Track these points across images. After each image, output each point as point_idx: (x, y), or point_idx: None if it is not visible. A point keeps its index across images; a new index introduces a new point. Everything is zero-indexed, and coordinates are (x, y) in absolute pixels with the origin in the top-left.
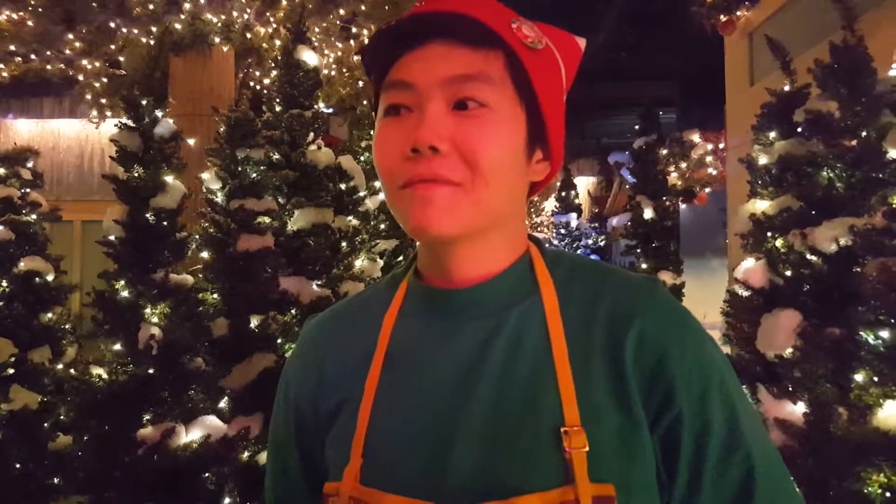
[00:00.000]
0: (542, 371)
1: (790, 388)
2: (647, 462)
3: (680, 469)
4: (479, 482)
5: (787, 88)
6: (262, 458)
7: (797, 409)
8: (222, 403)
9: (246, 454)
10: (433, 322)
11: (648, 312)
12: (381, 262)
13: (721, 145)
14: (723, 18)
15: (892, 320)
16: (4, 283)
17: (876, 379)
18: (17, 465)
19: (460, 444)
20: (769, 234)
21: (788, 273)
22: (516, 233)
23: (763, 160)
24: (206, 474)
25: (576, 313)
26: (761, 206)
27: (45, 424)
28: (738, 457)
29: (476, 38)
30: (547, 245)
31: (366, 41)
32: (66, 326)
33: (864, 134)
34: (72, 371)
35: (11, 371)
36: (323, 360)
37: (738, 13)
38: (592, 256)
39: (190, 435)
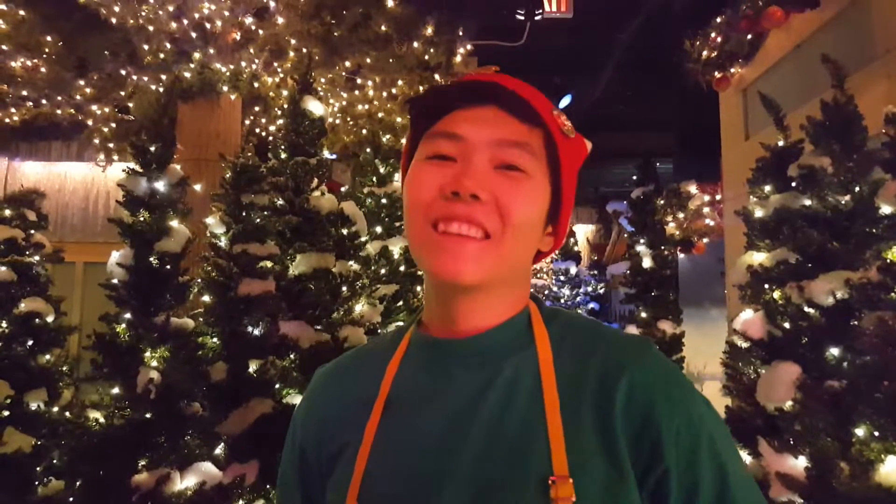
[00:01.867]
0: (533, 421)
1: (791, 442)
2: None
3: None
4: None
5: (780, 143)
6: None
7: (799, 464)
8: (218, 450)
9: (241, 502)
10: (432, 370)
11: (638, 367)
12: (381, 307)
13: (718, 197)
14: (717, 75)
15: (891, 374)
16: (4, 324)
17: (877, 433)
18: None
19: (449, 490)
20: (766, 285)
21: (787, 325)
22: (521, 290)
23: (759, 213)
24: None
25: (568, 366)
26: (758, 258)
27: (38, 468)
28: None
29: (525, 114)
30: (546, 291)
31: (370, 92)
32: (64, 368)
33: (857, 189)
34: (67, 414)
35: (6, 413)
36: (328, 407)
37: (733, 70)
38: (591, 304)
39: (185, 482)
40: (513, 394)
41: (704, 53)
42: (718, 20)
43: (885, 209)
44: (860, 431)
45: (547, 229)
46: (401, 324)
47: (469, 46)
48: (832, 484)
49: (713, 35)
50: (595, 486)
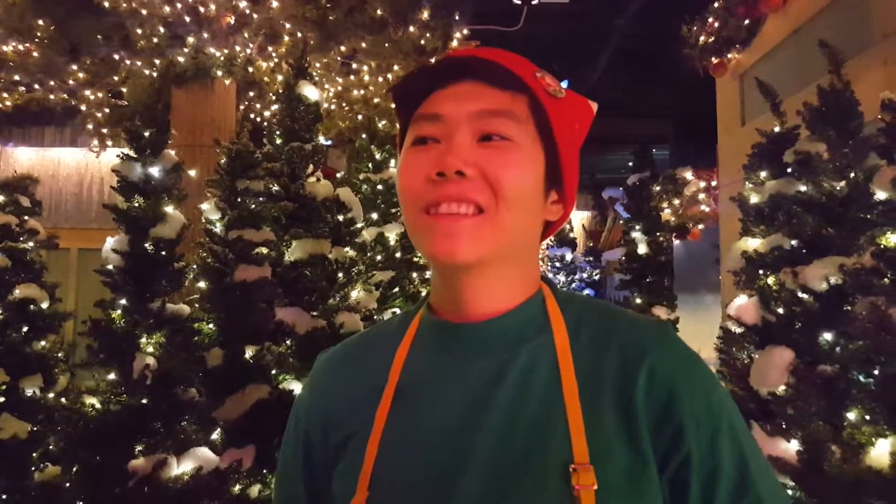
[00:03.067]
0: (552, 407)
1: (784, 426)
2: (655, 500)
3: None
4: None
5: (776, 130)
6: (254, 491)
7: (791, 447)
8: (215, 435)
9: (237, 487)
10: (445, 356)
11: (660, 351)
12: (377, 294)
13: (713, 183)
14: (714, 60)
15: (883, 359)
16: None
17: (868, 417)
18: (4, 496)
19: (467, 480)
20: (761, 271)
21: (780, 310)
22: (530, 269)
23: (754, 199)
24: None
25: (586, 351)
26: (753, 243)
27: (34, 454)
28: (749, 502)
29: (504, 81)
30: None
31: (365, 77)
32: (59, 355)
33: (852, 175)
34: (63, 400)
35: (2, 399)
36: (333, 394)
37: (729, 56)
38: (587, 290)
39: (182, 467)
40: (530, 380)
41: (702, 39)
42: (716, 5)
43: (880, 195)
44: (852, 415)
45: (551, 197)
46: (397, 311)
47: (465, 31)
48: (824, 467)
49: (710, 20)
50: (616, 473)
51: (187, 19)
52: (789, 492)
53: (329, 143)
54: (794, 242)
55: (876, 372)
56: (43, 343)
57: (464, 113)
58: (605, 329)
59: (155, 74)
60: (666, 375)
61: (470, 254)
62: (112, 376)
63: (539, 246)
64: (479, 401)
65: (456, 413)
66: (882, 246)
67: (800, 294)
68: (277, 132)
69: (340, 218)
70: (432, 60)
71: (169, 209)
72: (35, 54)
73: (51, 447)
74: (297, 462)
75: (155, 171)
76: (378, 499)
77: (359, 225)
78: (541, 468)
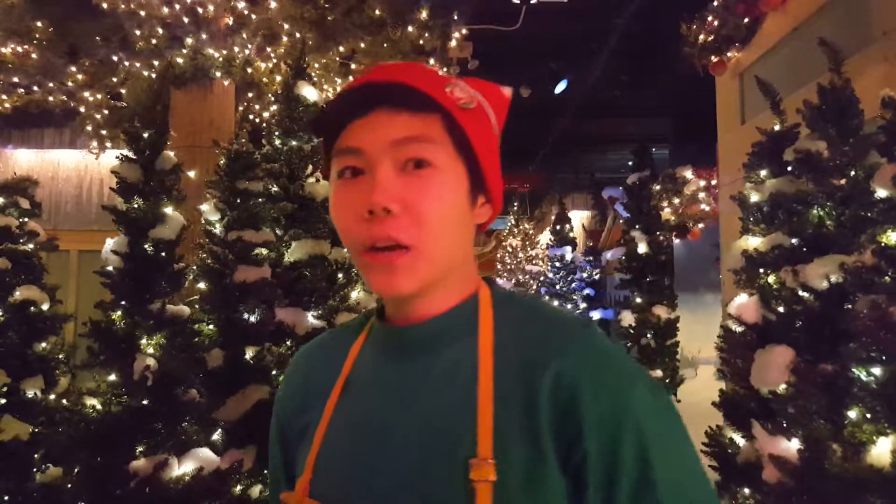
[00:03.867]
0: (466, 404)
1: (784, 425)
2: (553, 495)
3: None
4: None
5: (776, 128)
6: (255, 491)
7: (792, 446)
8: (215, 436)
9: (238, 487)
10: (385, 355)
11: (569, 354)
12: (376, 294)
13: (713, 182)
14: (714, 59)
15: (884, 357)
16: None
17: (869, 416)
18: (6, 497)
19: (383, 467)
20: (761, 270)
21: (781, 309)
22: (465, 274)
23: (754, 198)
24: None
25: (507, 352)
26: (753, 242)
27: (36, 456)
28: (647, 503)
29: (416, 104)
30: (542, 277)
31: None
32: (60, 356)
33: (852, 173)
34: (64, 402)
35: (3, 401)
36: (302, 385)
37: (729, 54)
38: (587, 290)
39: (182, 467)
40: (451, 378)
41: (701, 37)
42: (715, 3)
43: (881, 193)
44: (852, 414)
45: (479, 201)
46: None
47: (464, 31)
48: (824, 466)
49: (710, 18)
50: (515, 467)
51: (186, 20)
52: (790, 491)
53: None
54: (794, 241)
55: (877, 370)
56: (44, 345)
57: (382, 144)
58: (527, 329)
59: (154, 76)
60: (572, 376)
61: (408, 287)
62: (112, 378)
63: (473, 249)
64: (403, 396)
65: (383, 407)
66: (883, 244)
67: (800, 293)
68: (276, 133)
69: None
70: (432, 62)
71: (168, 210)
72: (34, 56)
73: (52, 449)
74: (277, 446)
75: (154, 172)
76: (318, 479)
77: None
78: (447, 460)
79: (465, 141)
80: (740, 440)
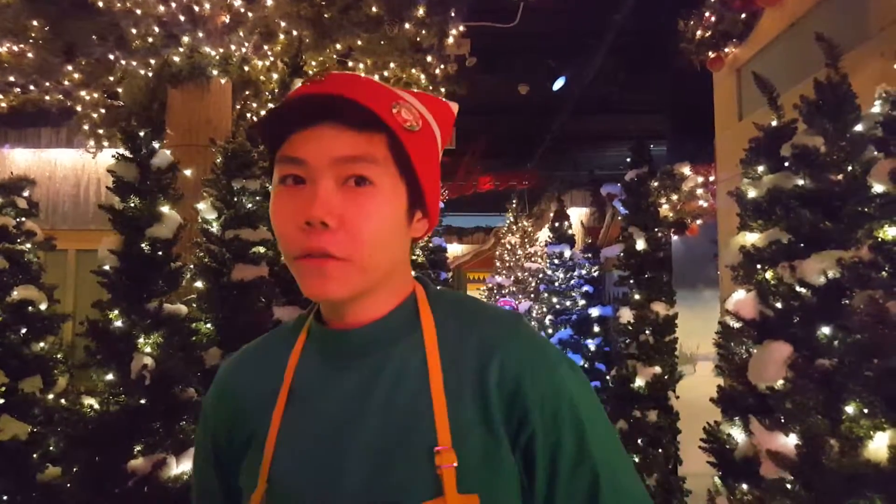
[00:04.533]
0: (421, 399)
1: (782, 420)
2: (510, 474)
3: (537, 479)
4: (366, 501)
5: (774, 123)
6: None
7: (789, 441)
8: None
9: None
10: (329, 360)
11: (508, 344)
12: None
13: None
14: (711, 55)
15: (881, 352)
16: None
17: (866, 411)
18: (5, 497)
19: (349, 468)
20: (759, 266)
21: (779, 305)
22: (400, 281)
23: (752, 193)
24: None
25: (451, 345)
26: (751, 238)
27: (35, 455)
28: (585, 468)
29: (362, 123)
30: (541, 274)
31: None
32: (58, 356)
33: (849, 168)
34: (62, 401)
35: (1, 401)
36: (235, 397)
37: (726, 50)
38: (585, 286)
39: (181, 466)
40: (402, 375)
41: (698, 33)
42: None
43: (878, 188)
44: (850, 409)
45: (416, 216)
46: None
47: (461, 27)
48: (822, 461)
49: (707, 14)
50: (473, 451)
51: (182, 18)
52: (787, 486)
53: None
54: (791, 237)
55: (874, 365)
56: (42, 344)
57: (325, 159)
58: (467, 324)
59: (150, 74)
60: (513, 365)
61: (339, 293)
62: (110, 377)
63: (408, 258)
64: (358, 396)
65: (338, 409)
66: (880, 239)
67: (798, 288)
68: None
69: None
70: (429, 59)
71: (165, 209)
72: (30, 55)
73: (51, 448)
74: (208, 459)
75: (150, 171)
76: (275, 489)
77: None
78: (411, 452)
79: (407, 162)
80: (738, 436)
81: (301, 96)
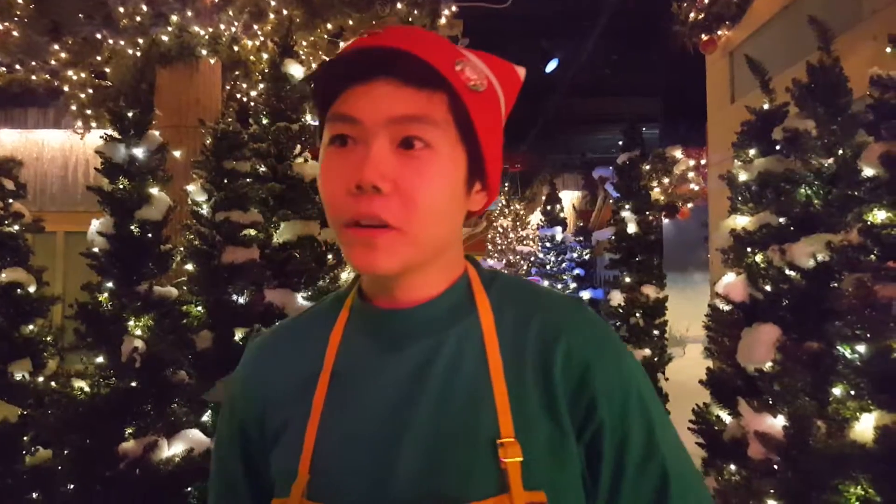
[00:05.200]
0: (480, 387)
1: (770, 402)
2: (575, 469)
3: (602, 475)
4: (421, 494)
5: (766, 107)
6: None
7: (777, 423)
8: (205, 417)
9: None
10: (378, 341)
11: (575, 329)
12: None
13: (703, 161)
14: (704, 37)
15: (868, 335)
16: None
17: (853, 393)
18: None
19: (403, 458)
20: (749, 249)
21: (768, 288)
22: (453, 258)
23: (743, 177)
24: (189, 489)
25: (510, 330)
26: (741, 221)
27: (25, 438)
28: (655, 463)
29: (421, 80)
30: (532, 257)
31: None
32: (48, 339)
33: (840, 152)
34: (53, 384)
35: None
36: (267, 382)
37: (720, 33)
38: (577, 270)
39: (172, 449)
40: (459, 360)
41: (691, 16)
42: None
43: (868, 171)
44: (837, 391)
45: (475, 188)
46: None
47: (454, 8)
48: (809, 442)
49: None
50: (539, 444)
51: None
52: (774, 467)
53: (317, 123)
54: (782, 220)
55: (861, 348)
56: (31, 327)
57: (380, 118)
58: (527, 308)
59: (138, 54)
60: (580, 351)
61: (389, 266)
62: (100, 360)
63: (461, 233)
64: (413, 381)
65: (391, 394)
66: (869, 223)
67: (787, 271)
68: (264, 112)
69: None
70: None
71: (154, 191)
72: (15, 34)
73: (41, 431)
74: (233, 448)
75: (139, 152)
76: (320, 479)
77: None
78: (470, 445)
79: (469, 126)
80: (727, 417)
81: (356, 49)
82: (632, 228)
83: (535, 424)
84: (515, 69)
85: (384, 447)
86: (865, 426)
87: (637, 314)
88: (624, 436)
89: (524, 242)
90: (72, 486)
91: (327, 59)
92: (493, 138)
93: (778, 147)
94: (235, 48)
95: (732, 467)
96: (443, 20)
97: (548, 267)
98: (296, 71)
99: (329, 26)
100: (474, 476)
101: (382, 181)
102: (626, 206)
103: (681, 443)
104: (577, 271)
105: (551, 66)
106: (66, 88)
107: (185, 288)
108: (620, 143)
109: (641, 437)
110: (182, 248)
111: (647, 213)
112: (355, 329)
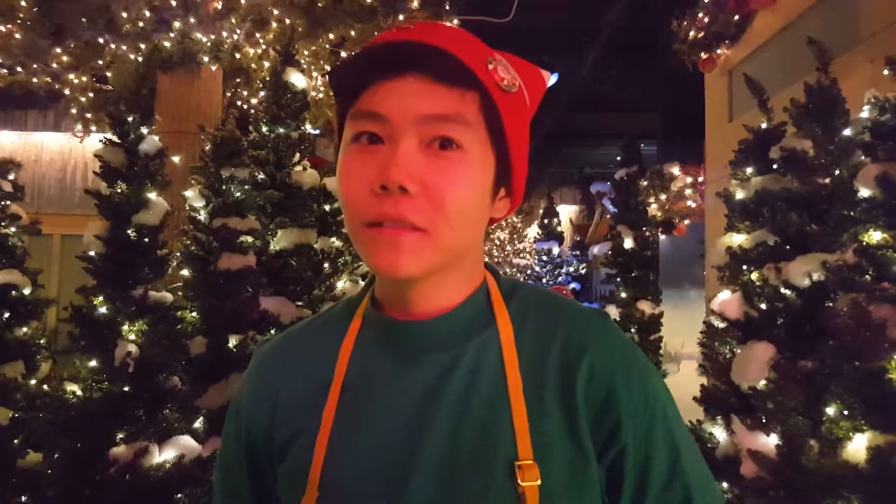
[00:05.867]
0: (498, 404)
1: (763, 420)
2: (595, 494)
3: (623, 498)
4: None
5: (763, 126)
6: None
7: (770, 441)
8: (197, 423)
9: None
10: (391, 354)
11: (600, 346)
12: (362, 284)
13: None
14: (703, 56)
15: (862, 355)
16: None
17: (846, 412)
18: None
19: (417, 477)
20: (745, 267)
21: (763, 306)
22: (474, 265)
23: (740, 195)
24: (179, 495)
25: (530, 345)
26: (738, 239)
27: (15, 441)
28: (678, 488)
29: (454, 78)
30: (528, 270)
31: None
32: (41, 341)
33: (836, 172)
34: (45, 387)
35: None
36: (276, 391)
37: (719, 51)
38: (573, 284)
39: (163, 455)
40: (477, 375)
41: (691, 34)
42: (706, 0)
43: (864, 192)
44: (830, 410)
45: (500, 194)
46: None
47: (455, 21)
48: (802, 461)
49: (700, 15)
50: (559, 467)
51: (173, 3)
52: (767, 485)
53: (317, 132)
54: (778, 238)
55: (855, 367)
56: (25, 329)
57: (409, 116)
58: (549, 321)
59: (140, 59)
60: (605, 370)
61: (412, 269)
62: (94, 363)
63: (482, 240)
64: (428, 397)
65: (405, 412)
66: (864, 243)
67: (782, 290)
68: (264, 119)
69: (327, 207)
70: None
71: (152, 196)
72: (17, 36)
73: (32, 434)
74: (239, 458)
75: (138, 157)
76: (328, 496)
77: None
78: (487, 466)
79: (499, 127)
80: (720, 435)
81: (385, 43)
82: (628, 244)
83: (555, 446)
84: (542, 73)
85: (396, 467)
86: (858, 446)
87: (632, 329)
88: (647, 459)
89: (521, 255)
90: (61, 490)
91: (328, 68)
92: (522, 142)
93: (775, 166)
94: (237, 56)
95: (725, 485)
96: None
97: (544, 280)
98: (297, 80)
99: (331, 36)
100: (490, 499)
101: (410, 182)
102: (623, 222)
103: (705, 467)
104: (573, 285)
105: (551, 80)
106: (66, 92)
107: (180, 293)
108: (619, 158)
109: (666, 461)
110: (178, 254)
111: (644, 228)
112: (368, 340)
